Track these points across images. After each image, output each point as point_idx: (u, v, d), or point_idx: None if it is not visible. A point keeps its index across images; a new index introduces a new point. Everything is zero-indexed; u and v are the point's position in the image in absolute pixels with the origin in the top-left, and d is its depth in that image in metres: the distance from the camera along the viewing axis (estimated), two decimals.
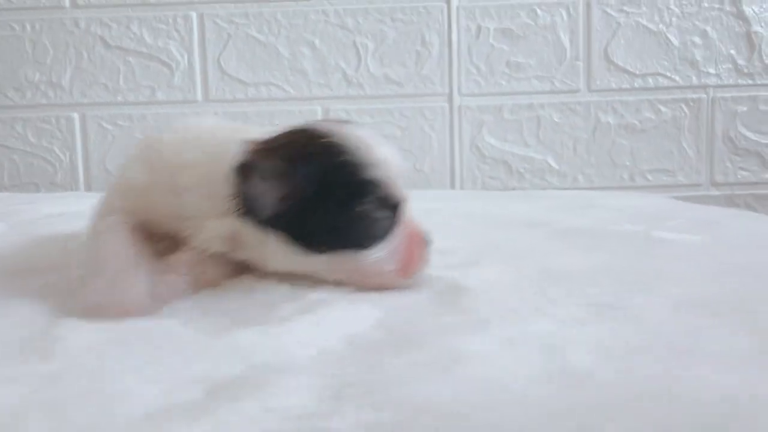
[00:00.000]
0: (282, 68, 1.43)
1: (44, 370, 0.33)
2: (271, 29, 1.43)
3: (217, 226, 0.48)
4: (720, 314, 0.41)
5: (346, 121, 0.52)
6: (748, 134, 1.42)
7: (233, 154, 0.46)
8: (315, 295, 0.46)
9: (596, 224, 0.79)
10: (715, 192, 1.44)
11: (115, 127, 1.44)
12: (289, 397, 0.29)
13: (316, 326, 0.39)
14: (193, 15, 1.42)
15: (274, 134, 0.49)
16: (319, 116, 1.44)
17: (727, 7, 1.39)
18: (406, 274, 0.49)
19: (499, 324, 0.39)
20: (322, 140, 0.46)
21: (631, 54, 1.42)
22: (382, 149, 0.48)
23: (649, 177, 1.44)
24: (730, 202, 1.44)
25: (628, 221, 0.81)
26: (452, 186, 1.45)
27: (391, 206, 0.48)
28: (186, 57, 1.43)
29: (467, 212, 0.93)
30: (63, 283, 0.50)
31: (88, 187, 1.45)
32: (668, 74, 1.42)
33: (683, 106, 1.43)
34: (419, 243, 0.50)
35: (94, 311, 0.44)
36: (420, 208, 0.98)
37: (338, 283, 0.51)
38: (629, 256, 0.60)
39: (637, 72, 1.42)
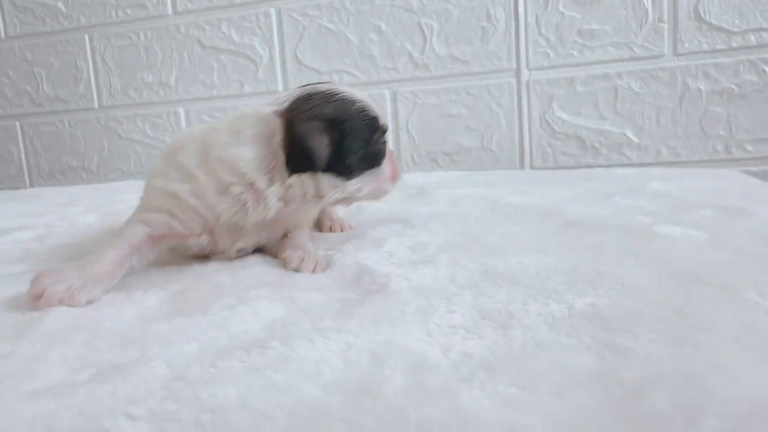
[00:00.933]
0: (352, 55, 1.49)
1: None
2: (340, 17, 1.49)
3: (275, 190, 0.61)
4: (569, 335, 0.40)
5: (325, 82, 0.69)
6: None
7: (270, 126, 0.60)
8: (254, 292, 0.53)
9: (608, 216, 0.75)
10: None
11: (212, 118, 1.62)
12: (128, 385, 0.35)
13: (224, 321, 0.45)
14: (272, 11, 1.53)
15: (290, 101, 0.62)
16: (388, 100, 1.49)
17: None
18: (394, 179, 0.69)
19: (356, 331, 0.42)
20: (338, 96, 0.63)
21: (727, 9, 1.25)
22: (362, 94, 0.65)
23: (749, 148, 1.28)
24: None
25: (645, 212, 0.76)
26: (521, 165, 1.42)
27: (384, 133, 0.66)
28: (267, 51, 1.55)
29: (493, 200, 0.93)
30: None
31: None
32: None
33: None
34: (394, 158, 0.70)
35: (31, 300, 0.50)
36: (452, 195, 1.00)
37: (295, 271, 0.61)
38: (595, 257, 0.58)
39: (736, 29, 1.25)
